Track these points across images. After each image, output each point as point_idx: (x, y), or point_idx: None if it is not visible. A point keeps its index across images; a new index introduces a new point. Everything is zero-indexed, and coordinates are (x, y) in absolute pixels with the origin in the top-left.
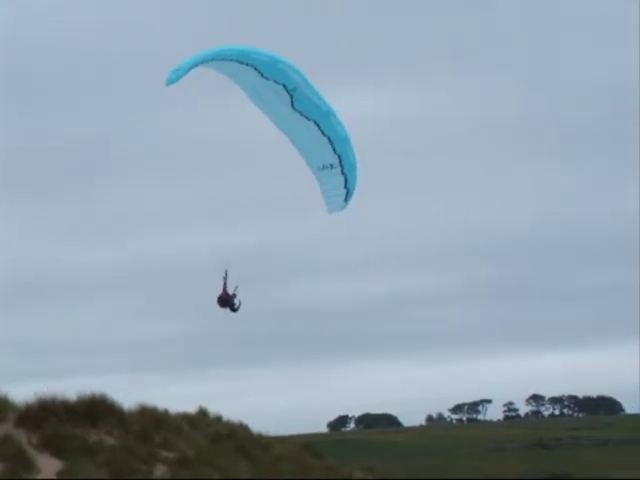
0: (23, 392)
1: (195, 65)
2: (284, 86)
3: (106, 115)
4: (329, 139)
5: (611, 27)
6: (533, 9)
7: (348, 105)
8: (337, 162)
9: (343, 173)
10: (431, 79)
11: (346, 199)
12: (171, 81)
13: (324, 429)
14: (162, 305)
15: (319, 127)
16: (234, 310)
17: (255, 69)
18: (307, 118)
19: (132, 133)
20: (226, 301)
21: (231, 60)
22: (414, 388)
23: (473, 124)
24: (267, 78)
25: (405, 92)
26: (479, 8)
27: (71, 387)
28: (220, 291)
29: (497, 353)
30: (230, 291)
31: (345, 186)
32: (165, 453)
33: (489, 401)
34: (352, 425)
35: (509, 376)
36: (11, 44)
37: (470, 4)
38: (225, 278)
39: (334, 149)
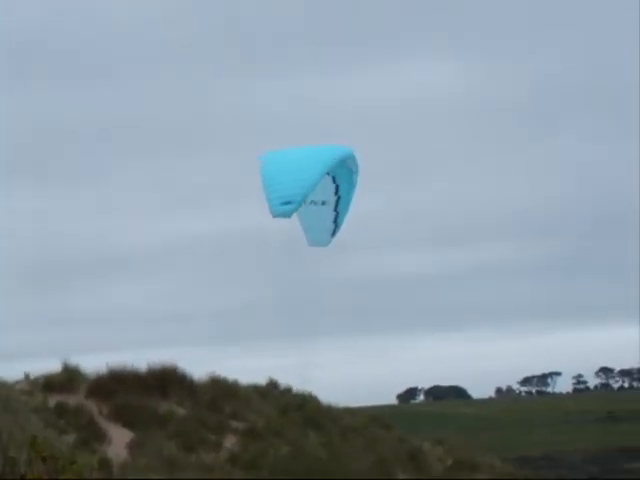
0: (94, 363)
1: (307, 195)
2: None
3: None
4: (337, 186)
5: None
6: None
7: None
8: (333, 201)
9: (336, 210)
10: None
11: (333, 234)
12: (281, 215)
13: (393, 401)
14: (227, 275)
15: (333, 178)
16: None
17: None
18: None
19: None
20: None
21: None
22: (483, 361)
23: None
24: None
25: (473, 67)
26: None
27: (141, 358)
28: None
29: (566, 326)
30: None
31: (335, 221)
32: (235, 423)
33: (558, 374)
34: (421, 397)
35: (578, 348)
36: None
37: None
38: None
39: (336, 191)
